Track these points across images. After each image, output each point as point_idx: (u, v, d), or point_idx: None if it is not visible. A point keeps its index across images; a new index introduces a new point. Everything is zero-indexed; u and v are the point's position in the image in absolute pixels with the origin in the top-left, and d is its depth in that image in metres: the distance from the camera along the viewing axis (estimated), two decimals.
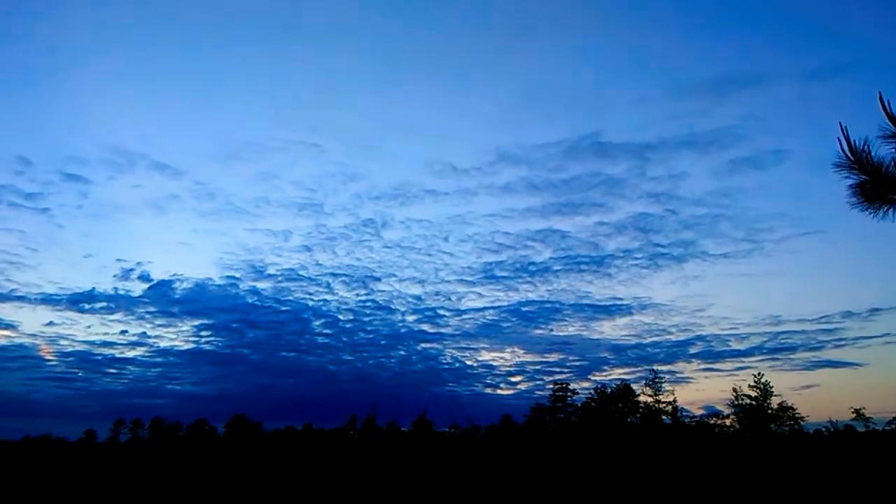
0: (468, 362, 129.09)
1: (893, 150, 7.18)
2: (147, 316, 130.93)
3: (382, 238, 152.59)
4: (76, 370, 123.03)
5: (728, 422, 54.81)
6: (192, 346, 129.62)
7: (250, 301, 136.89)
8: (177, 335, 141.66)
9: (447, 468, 40.79)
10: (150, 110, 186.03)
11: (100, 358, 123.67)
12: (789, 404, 49.44)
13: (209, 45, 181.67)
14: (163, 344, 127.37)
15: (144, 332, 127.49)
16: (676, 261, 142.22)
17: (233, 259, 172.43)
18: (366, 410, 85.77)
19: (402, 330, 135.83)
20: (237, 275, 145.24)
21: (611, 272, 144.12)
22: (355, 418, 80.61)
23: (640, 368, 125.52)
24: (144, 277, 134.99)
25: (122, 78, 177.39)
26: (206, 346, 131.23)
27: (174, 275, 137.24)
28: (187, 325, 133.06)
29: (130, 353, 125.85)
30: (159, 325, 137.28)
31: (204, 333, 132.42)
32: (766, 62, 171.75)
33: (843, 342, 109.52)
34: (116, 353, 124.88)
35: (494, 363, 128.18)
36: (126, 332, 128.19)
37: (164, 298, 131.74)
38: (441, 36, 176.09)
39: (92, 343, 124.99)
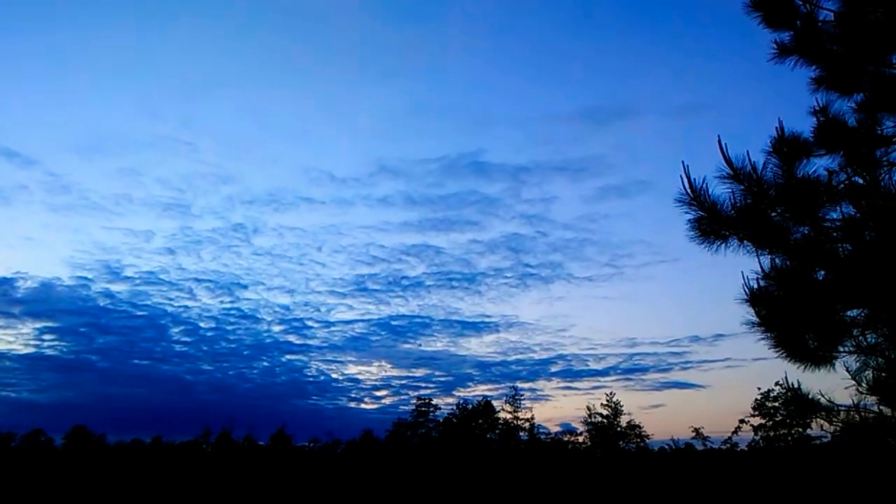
0: (334, 375, 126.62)
1: (728, 190, 7.66)
2: None
3: (253, 244, 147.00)
4: None
5: (581, 438, 56.91)
6: (32, 350, 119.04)
7: (102, 304, 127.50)
8: (15, 338, 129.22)
9: (303, 482, 39.77)
10: (2, 91, 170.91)
11: None
12: (637, 422, 51.98)
13: (74, 24, 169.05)
14: None
15: None
16: (544, 281, 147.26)
17: (86, 258, 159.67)
18: (222, 423, 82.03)
19: (268, 340, 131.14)
20: (90, 275, 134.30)
21: (481, 290, 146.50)
22: (209, 431, 76.97)
23: (503, 385, 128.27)
24: None
25: None
26: (49, 351, 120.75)
27: (17, 272, 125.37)
28: (28, 328, 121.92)
29: None
30: None
31: (47, 337, 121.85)
32: (635, 96, 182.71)
33: (689, 364, 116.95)
34: None
35: (360, 377, 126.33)
36: None
37: (4, 298, 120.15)
38: (327, 40, 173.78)
39: None
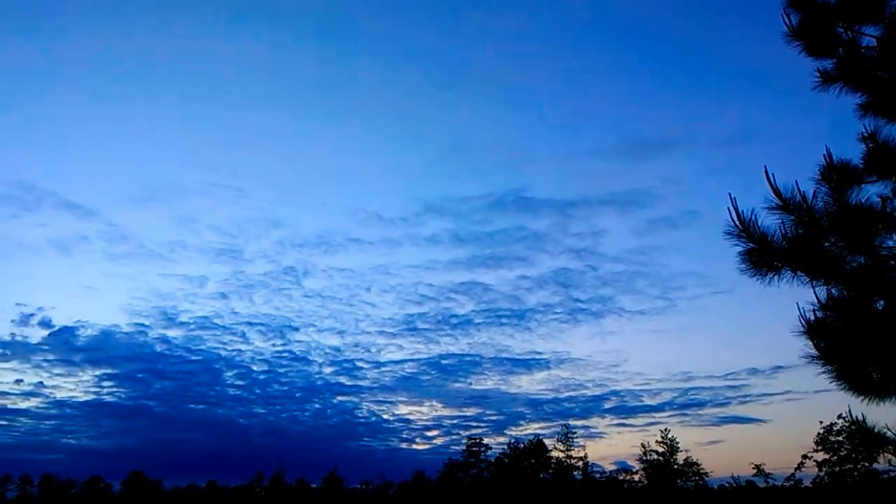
0: (385, 416, 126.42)
1: (778, 220, 7.56)
2: (45, 364, 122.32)
3: (303, 287, 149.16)
4: None
5: (637, 477, 55.56)
6: (92, 397, 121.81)
7: (159, 350, 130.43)
8: (76, 385, 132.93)
9: None
10: (64, 146, 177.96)
11: None
12: (694, 460, 50.60)
13: (128, 81, 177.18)
14: (60, 395, 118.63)
15: (41, 382, 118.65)
16: (595, 316, 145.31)
17: (143, 305, 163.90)
18: (275, 466, 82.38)
19: (319, 382, 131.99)
20: (146, 322, 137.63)
21: (531, 326, 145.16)
22: (262, 475, 77.43)
23: (555, 423, 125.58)
24: (45, 323, 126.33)
25: (34, 111, 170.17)
26: (108, 398, 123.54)
27: (78, 321, 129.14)
28: (88, 375, 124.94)
29: (24, 404, 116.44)
30: (57, 375, 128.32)
31: (106, 384, 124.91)
32: (683, 126, 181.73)
33: (747, 398, 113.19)
34: (9, 403, 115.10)
35: (411, 417, 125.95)
36: (21, 381, 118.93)
37: (66, 346, 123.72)
38: (368, 85, 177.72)
39: None
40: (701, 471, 49.64)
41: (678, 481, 49.89)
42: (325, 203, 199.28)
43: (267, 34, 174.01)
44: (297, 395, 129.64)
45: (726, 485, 49.51)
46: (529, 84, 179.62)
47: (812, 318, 7.55)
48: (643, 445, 52.49)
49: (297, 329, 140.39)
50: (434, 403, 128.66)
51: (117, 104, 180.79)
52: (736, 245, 7.70)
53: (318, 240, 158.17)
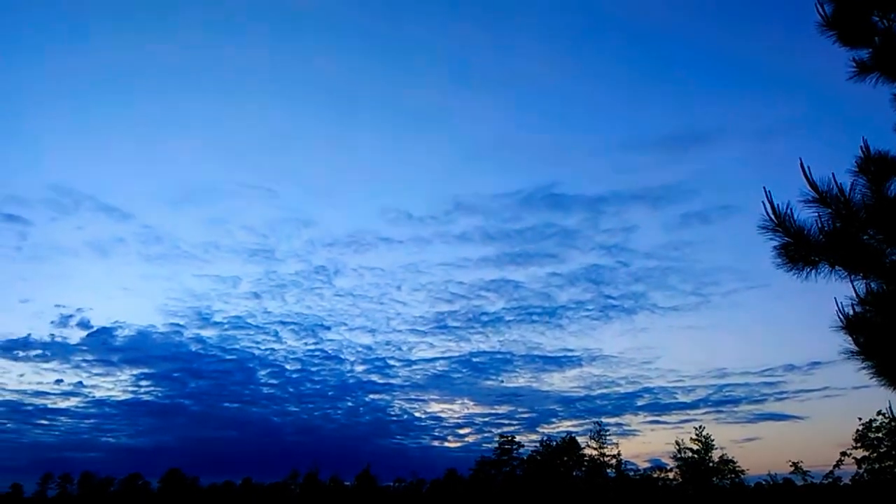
0: (417, 414, 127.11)
1: (814, 214, 7.44)
2: (84, 364, 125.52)
3: (334, 286, 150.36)
4: (5, 421, 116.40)
5: (672, 475, 55.05)
6: (129, 396, 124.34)
7: (194, 349, 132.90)
8: (114, 385, 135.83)
9: None
10: (100, 150, 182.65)
11: (31, 408, 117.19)
12: (730, 457, 49.97)
13: (162, 86, 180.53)
14: (99, 394, 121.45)
15: (80, 382, 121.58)
16: (627, 313, 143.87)
17: (178, 305, 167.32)
18: (309, 464, 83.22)
19: (351, 380, 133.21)
20: (182, 322, 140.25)
21: (562, 323, 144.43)
22: (296, 472, 78.29)
23: (587, 421, 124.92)
24: (84, 324, 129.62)
25: (70, 117, 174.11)
26: (145, 397, 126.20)
27: (115, 322, 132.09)
28: (126, 375, 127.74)
29: (63, 404, 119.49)
30: (96, 375, 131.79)
31: (143, 383, 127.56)
32: (715, 119, 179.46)
33: (784, 395, 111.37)
34: (49, 403, 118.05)
35: (443, 415, 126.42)
36: (61, 381, 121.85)
37: (104, 346, 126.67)
38: (397, 83, 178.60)
39: (23, 392, 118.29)
40: (737, 468, 49.06)
41: (714, 479, 49.36)
42: (355, 202, 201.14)
43: (296, 40, 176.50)
44: (330, 393, 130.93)
45: (763, 483, 48.89)
46: (559, 81, 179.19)
47: (850, 312, 7.42)
48: (677, 443, 52.03)
49: (328, 328, 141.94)
50: (465, 401, 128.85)
51: (151, 109, 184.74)
52: (771, 239, 7.60)
53: (349, 239, 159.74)
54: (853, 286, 7.36)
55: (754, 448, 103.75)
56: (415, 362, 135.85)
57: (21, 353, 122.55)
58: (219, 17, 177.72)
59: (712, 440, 50.24)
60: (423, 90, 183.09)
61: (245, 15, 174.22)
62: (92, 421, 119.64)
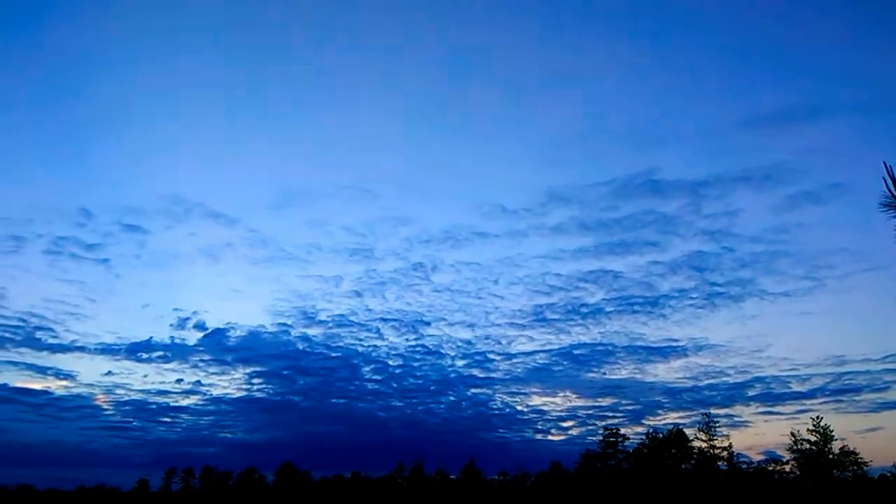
0: (518, 407, 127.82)
1: None
2: (201, 364, 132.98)
3: (432, 282, 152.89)
4: (131, 419, 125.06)
5: (788, 468, 53.10)
6: (243, 393, 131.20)
7: (301, 348, 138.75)
8: (229, 383, 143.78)
9: None
10: (206, 159, 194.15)
11: (154, 407, 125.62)
12: (852, 448, 47.77)
13: (261, 96, 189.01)
14: (216, 392, 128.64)
15: (199, 381, 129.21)
16: (734, 300, 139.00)
17: (285, 306, 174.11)
18: (414, 457, 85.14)
19: (452, 375, 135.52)
20: (288, 321, 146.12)
21: (665, 313, 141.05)
22: (402, 466, 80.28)
23: (695, 412, 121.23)
24: (200, 326, 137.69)
25: (179, 129, 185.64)
26: (258, 394, 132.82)
27: (228, 323, 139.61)
28: (240, 373, 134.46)
29: (184, 402, 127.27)
30: (213, 374, 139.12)
31: (256, 381, 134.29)
32: (822, 94, 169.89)
33: None
34: (171, 401, 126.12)
35: (545, 408, 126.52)
36: (181, 380, 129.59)
37: (218, 346, 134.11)
38: (488, 76, 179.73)
39: (147, 392, 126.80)
40: (859, 460, 47.13)
41: (834, 472, 47.38)
42: (450, 198, 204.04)
43: (386, 48, 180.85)
44: (432, 388, 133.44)
45: (888, 474, 46.62)
46: (651, 63, 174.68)
47: None
48: (793, 434, 50.46)
49: (428, 323, 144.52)
50: (568, 394, 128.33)
51: (250, 117, 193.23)
52: (893, 217, 7.47)
53: (445, 235, 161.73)
54: None
55: (878, 438, 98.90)
56: (515, 356, 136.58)
57: (144, 355, 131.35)
58: (314, 24, 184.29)
59: (831, 431, 48.46)
60: (511, 84, 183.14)
61: (339, 21, 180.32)
62: (210, 418, 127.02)
